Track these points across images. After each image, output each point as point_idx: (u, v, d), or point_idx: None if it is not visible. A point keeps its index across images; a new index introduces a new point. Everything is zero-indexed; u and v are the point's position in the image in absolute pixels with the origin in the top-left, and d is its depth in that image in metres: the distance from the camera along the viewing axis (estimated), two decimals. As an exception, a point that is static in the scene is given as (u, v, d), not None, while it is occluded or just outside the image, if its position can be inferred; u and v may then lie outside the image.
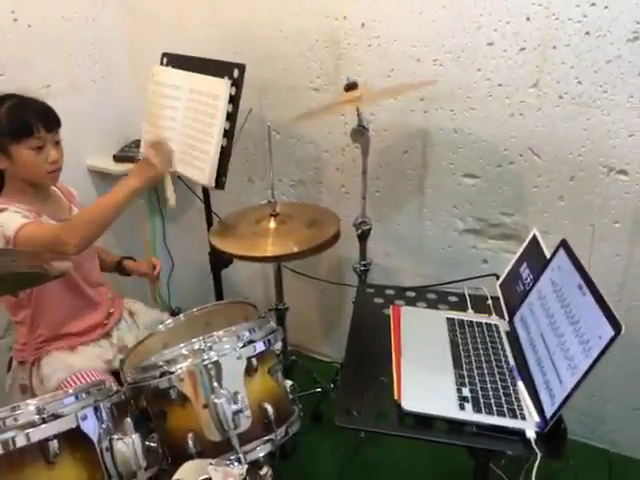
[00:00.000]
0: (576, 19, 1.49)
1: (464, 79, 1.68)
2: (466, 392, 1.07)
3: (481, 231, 1.85)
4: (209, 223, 1.96)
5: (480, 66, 1.65)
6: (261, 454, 1.08)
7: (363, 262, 1.65)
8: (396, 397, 1.06)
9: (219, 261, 1.92)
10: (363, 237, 1.63)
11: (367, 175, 1.62)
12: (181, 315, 1.56)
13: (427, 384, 1.10)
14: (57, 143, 1.41)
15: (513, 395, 1.07)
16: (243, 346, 1.11)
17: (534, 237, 1.37)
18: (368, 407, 1.07)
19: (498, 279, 1.48)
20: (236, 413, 1.03)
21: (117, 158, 2.15)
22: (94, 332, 1.56)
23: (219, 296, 2.08)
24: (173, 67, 1.83)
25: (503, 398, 1.06)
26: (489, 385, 1.09)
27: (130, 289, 1.87)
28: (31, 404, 0.88)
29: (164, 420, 1.10)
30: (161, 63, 1.89)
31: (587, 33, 1.49)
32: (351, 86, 1.49)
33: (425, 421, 1.03)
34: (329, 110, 1.56)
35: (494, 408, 1.03)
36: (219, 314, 1.55)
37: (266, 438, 1.10)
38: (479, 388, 1.08)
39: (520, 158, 1.70)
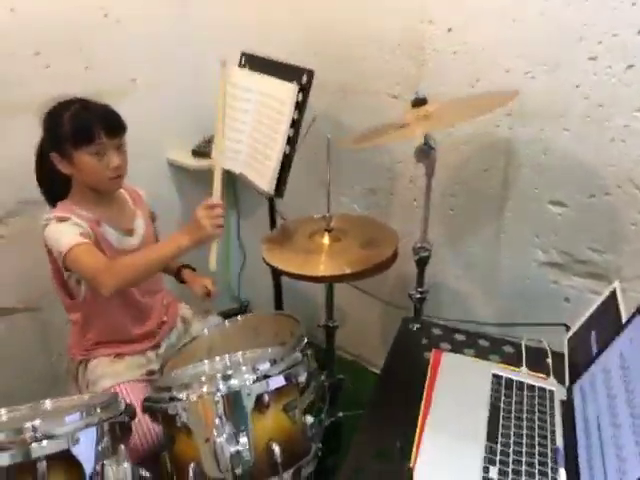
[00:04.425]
0: (700, 34, 1.24)
1: (559, 96, 1.48)
2: (493, 473, 0.93)
3: (565, 266, 1.64)
4: (272, 224, 1.93)
5: (579, 82, 1.44)
6: (263, 496, 1.02)
7: (420, 289, 1.51)
8: (412, 464, 0.96)
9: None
10: (421, 263, 1.48)
11: (431, 197, 1.46)
12: (226, 322, 1.56)
13: (449, 455, 0.98)
14: (119, 148, 1.37)
15: (550, 485, 0.92)
16: (256, 381, 1.05)
17: (613, 292, 1.17)
18: (378, 471, 0.97)
19: (568, 331, 1.29)
20: (235, 454, 0.98)
21: (195, 153, 2.17)
22: (143, 342, 1.54)
23: (278, 298, 2.05)
24: (249, 68, 1.80)
25: (536, 487, 0.91)
26: (523, 467, 0.94)
27: (187, 293, 1.85)
28: (28, 424, 0.87)
29: (172, 443, 1.07)
30: (240, 62, 1.86)
31: None
32: (419, 102, 1.34)
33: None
34: (393, 136, 1.39)
35: (522, 499, 0.89)
36: (268, 321, 1.52)
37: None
38: (510, 470, 0.94)
39: (618, 190, 1.47)
